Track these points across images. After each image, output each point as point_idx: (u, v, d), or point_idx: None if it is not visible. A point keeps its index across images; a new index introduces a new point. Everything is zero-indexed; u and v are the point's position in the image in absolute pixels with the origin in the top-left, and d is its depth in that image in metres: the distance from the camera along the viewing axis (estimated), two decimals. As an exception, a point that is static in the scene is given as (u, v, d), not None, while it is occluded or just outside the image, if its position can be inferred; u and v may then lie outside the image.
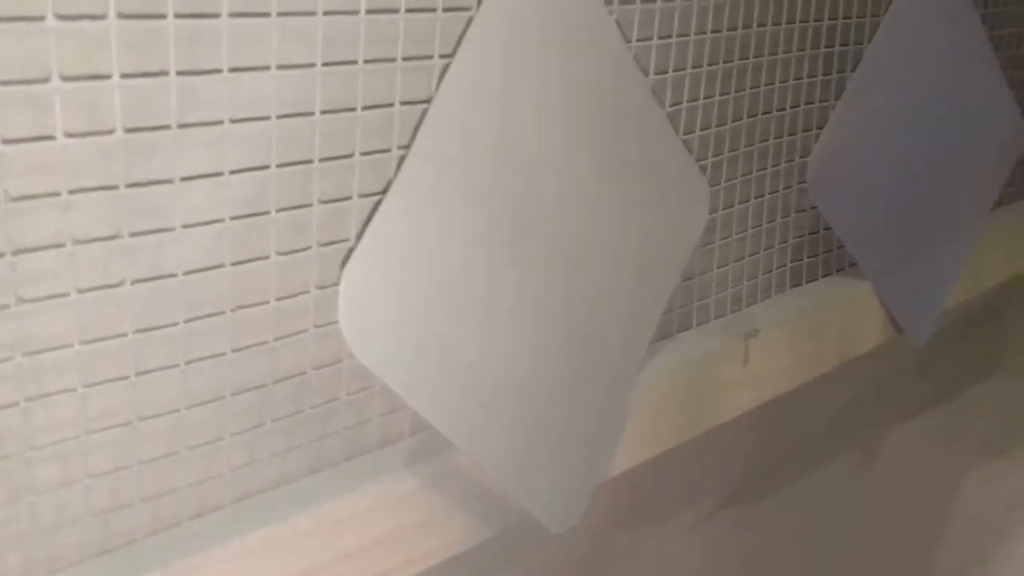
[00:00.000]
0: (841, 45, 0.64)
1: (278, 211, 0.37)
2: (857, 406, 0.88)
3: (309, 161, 0.37)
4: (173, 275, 0.35)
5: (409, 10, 0.38)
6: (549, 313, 0.45)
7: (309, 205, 0.37)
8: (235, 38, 0.33)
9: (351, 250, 0.34)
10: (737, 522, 0.77)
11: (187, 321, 0.36)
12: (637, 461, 0.55)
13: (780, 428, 0.76)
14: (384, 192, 0.36)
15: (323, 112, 0.37)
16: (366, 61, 0.37)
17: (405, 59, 0.38)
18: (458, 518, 0.46)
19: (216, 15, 0.33)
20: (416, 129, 0.36)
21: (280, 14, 0.34)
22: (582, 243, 0.47)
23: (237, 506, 0.40)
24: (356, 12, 0.37)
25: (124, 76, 0.31)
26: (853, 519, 0.94)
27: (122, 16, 0.31)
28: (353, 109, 0.37)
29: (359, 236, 0.34)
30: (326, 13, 0.36)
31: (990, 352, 1.11)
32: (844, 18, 0.64)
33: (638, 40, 0.49)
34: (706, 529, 0.74)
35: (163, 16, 0.32)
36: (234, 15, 0.33)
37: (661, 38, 0.51)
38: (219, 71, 0.34)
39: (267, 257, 0.37)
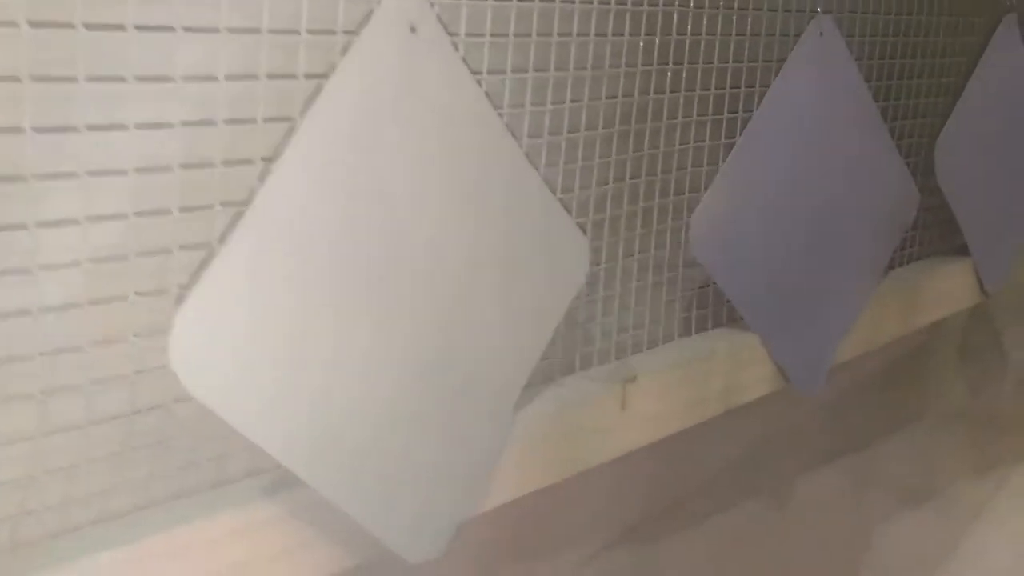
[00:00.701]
0: (730, 112, 0.68)
1: (137, 255, 0.40)
2: (764, 452, 0.91)
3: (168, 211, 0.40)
4: (28, 312, 0.38)
5: (270, 76, 0.42)
6: (412, 356, 0.48)
7: (169, 252, 0.41)
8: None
9: (185, 292, 0.37)
10: (638, 559, 0.80)
11: (43, 355, 0.39)
12: (515, 495, 0.58)
13: (677, 470, 0.79)
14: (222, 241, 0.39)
15: (181, 166, 0.40)
16: (225, 121, 0.41)
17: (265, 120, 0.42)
18: (318, 547, 0.48)
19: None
20: (261, 181, 0.39)
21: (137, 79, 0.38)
22: (452, 293, 0.50)
23: (93, 528, 0.42)
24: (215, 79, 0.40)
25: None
26: (762, 563, 0.97)
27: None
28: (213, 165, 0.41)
29: (193, 281, 0.37)
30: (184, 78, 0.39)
31: (910, 403, 1.15)
32: (732, 87, 0.68)
33: (511, 107, 0.53)
34: (603, 564, 0.77)
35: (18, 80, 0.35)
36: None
37: (537, 104, 0.55)
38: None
39: (126, 298, 0.41)
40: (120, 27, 0.37)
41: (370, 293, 0.45)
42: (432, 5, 0.45)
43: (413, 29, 0.44)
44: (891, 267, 0.89)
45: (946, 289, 0.94)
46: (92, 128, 0.37)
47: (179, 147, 0.40)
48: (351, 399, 0.45)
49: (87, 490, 0.43)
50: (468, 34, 0.49)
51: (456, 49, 0.47)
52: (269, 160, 0.41)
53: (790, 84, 0.69)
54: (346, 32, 0.43)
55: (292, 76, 0.42)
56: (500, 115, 0.51)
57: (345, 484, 0.45)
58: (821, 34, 0.71)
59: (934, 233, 0.94)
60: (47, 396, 0.40)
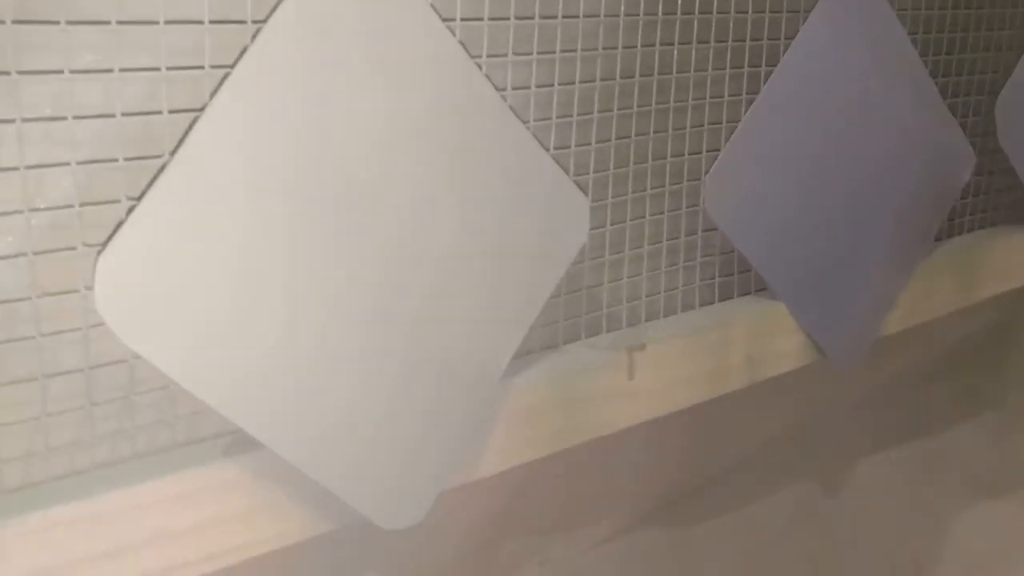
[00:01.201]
0: (750, 66, 0.65)
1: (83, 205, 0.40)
2: (812, 432, 0.87)
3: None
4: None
5: (212, 22, 0.41)
6: (385, 316, 0.47)
7: (118, 201, 0.40)
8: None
9: (108, 239, 0.36)
10: (664, 542, 0.77)
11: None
12: (509, 465, 0.56)
13: (707, 445, 0.76)
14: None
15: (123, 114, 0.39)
16: (168, 68, 0.40)
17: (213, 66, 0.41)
18: (287, 510, 0.47)
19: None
20: (187, 131, 0.38)
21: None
22: (428, 249, 0.48)
23: (53, 483, 0.42)
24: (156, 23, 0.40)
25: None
26: (811, 552, 0.92)
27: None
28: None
29: (117, 228, 0.37)
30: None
31: (985, 386, 1.08)
32: (753, 39, 0.64)
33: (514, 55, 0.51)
34: (624, 545, 0.74)
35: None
36: None
37: (522, 54, 0.53)
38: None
39: (75, 248, 0.40)
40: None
41: (330, 245, 0.43)
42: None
43: (370, -28, 0.42)
44: (949, 235, 0.83)
45: (1014, 259, 0.87)
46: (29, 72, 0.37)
47: (127, 94, 0.40)
48: (312, 357, 0.44)
49: (47, 445, 0.43)
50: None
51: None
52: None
53: (818, 33, 0.65)
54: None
55: (242, 22, 0.41)
56: (479, 64, 0.49)
57: (308, 446, 0.44)
58: (853, -19, 0.66)
59: (1000, 199, 0.88)
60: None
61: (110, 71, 0.39)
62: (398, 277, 0.47)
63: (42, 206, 0.39)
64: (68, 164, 0.39)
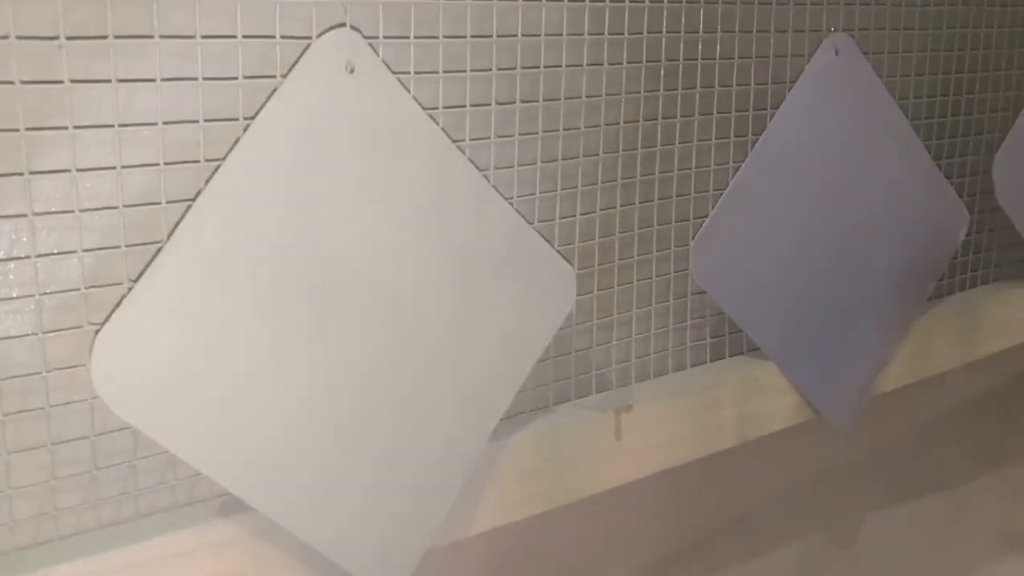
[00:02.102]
0: (736, 136, 0.67)
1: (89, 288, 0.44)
2: (823, 489, 0.88)
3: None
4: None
5: (208, 120, 0.45)
6: (371, 385, 0.50)
7: (121, 283, 0.44)
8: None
9: (106, 319, 0.40)
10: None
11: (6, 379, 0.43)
12: (501, 523, 0.59)
13: (705, 504, 0.77)
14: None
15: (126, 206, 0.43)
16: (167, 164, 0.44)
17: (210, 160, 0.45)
18: (285, 566, 0.50)
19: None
20: (180, 218, 0.42)
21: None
22: (414, 322, 0.51)
23: (60, 543, 0.46)
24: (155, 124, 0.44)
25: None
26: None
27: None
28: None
29: (115, 308, 0.40)
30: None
31: (1008, 439, 1.08)
32: (739, 110, 0.67)
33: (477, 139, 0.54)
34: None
35: None
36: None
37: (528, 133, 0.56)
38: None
39: (81, 327, 0.44)
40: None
41: (319, 324, 0.47)
42: (371, 45, 0.47)
43: (351, 69, 0.46)
44: (950, 292, 0.85)
45: (1016, 315, 0.88)
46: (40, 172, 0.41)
47: (129, 186, 0.44)
48: (300, 426, 0.47)
49: (55, 507, 0.46)
50: (445, 71, 0.52)
51: (405, 87, 0.49)
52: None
53: (803, 103, 0.68)
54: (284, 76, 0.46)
55: (234, 119, 0.45)
56: (460, 148, 0.52)
57: (295, 507, 0.47)
58: (836, 52, 0.69)
59: (1001, 256, 0.89)
60: (10, 418, 0.44)
61: (113, 168, 0.43)
62: (387, 350, 0.50)
63: (51, 290, 0.43)
64: (75, 252, 0.43)
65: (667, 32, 0.62)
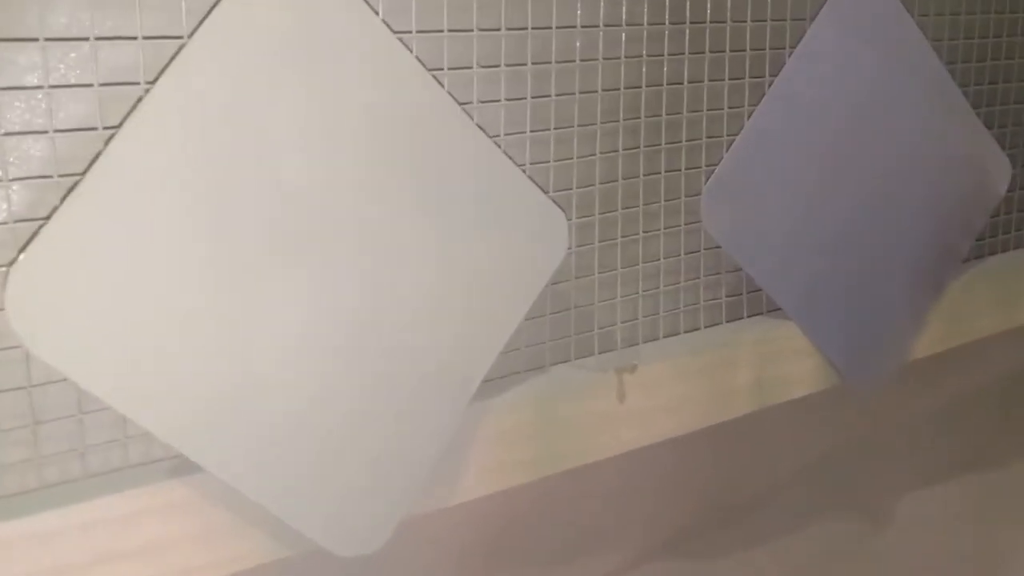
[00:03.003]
0: (752, 77, 0.62)
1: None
2: (850, 462, 0.82)
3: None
4: None
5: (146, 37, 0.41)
6: (335, 333, 0.46)
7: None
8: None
9: (19, 252, 0.36)
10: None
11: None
12: (488, 491, 0.54)
13: (722, 475, 0.72)
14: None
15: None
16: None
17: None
18: (239, 534, 0.46)
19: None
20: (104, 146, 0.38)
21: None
22: (382, 262, 0.47)
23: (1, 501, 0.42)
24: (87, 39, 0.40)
25: None
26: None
27: None
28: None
29: (29, 241, 0.36)
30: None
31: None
32: (753, 49, 0.62)
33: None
34: (636, 578, 0.71)
35: None
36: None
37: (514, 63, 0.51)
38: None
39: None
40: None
41: (263, 261, 0.43)
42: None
43: (308, -17, 0.42)
44: (990, 252, 0.78)
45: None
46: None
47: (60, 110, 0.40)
48: (251, 376, 0.43)
49: (-7, 462, 0.43)
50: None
51: (372, 7, 0.45)
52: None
53: (825, 41, 0.62)
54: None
55: (178, 37, 0.41)
56: (435, 77, 0.48)
57: (251, 469, 0.43)
58: (863, -16, 0.63)
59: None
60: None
61: (40, 87, 0.39)
62: (348, 294, 0.46)
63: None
64: (1, 180, 0.39)
65: (671, -41, 0.57)
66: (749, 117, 0.61)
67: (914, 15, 0.67)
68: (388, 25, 0.45)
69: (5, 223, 0.40)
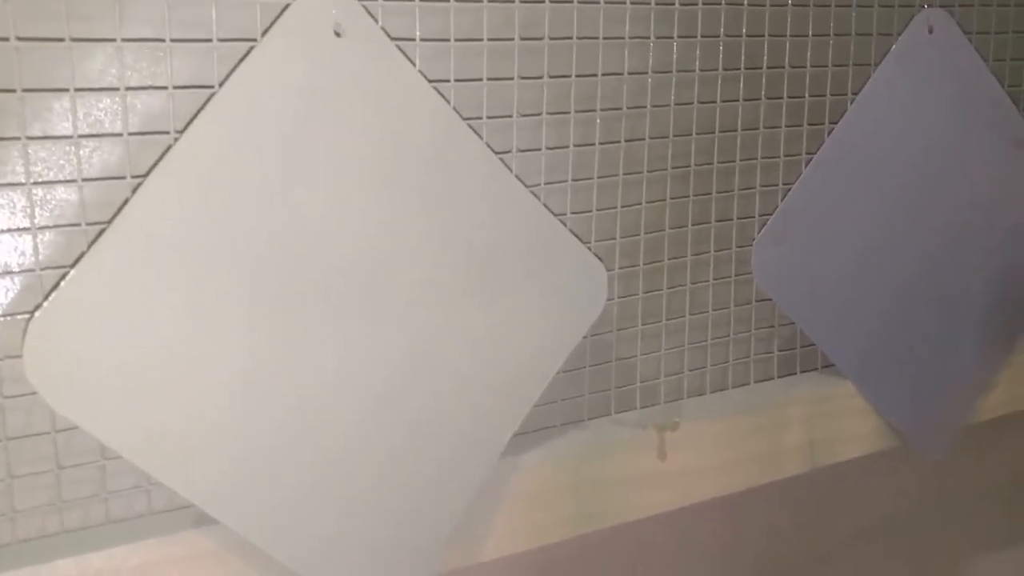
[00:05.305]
0: (810, 124, 0.59)
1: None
2: (910, 527, 0.78)
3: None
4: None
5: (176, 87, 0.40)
6: (358, 391, 0.44)
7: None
8: None
9: (39, 305, 0.36)
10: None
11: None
12: (518, 549, 0.53)
13: (770, 538, 0.69)
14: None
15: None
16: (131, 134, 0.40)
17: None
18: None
19: None
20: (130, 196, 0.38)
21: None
22: (411, 316, 0.46)
23: (19, 545, 0.42)
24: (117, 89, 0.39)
25: None
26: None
27: None
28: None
29: (50, 293, 0.36)
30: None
31: None
32: (813, 95, 0.59)
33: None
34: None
35: None
36: None
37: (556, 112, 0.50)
38: None
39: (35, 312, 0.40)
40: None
41: (292, 317, 0.42)
42: (364, 7, 0.42)
43: (339, 32, 0.41)
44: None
45: None
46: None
47: (88, 158, 0.40)
48: (275, 432, 0.42)
49: (13, 508, 0.43)
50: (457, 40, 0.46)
51: (406, 55, 0.44)
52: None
53: (889, 88, 0.59)
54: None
55: (209, 86, 0.41)
56: (473, 127, 0.47)
57: (272, 525, 0.42)
58: (931, 30, 0.60)
59: None
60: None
61: (70, 136, 0.39)
62: (379, 350, 0.45)
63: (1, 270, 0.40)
64: (29, 230, 0.39)
65: (727, 3, 0.55)
66: (807, 166, 0.59)
67: (988, 60, 0.64)
68: (424, 75, 0.44)
69: (32, 270, 0.40)
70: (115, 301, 0.37)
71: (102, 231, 0.37)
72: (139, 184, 0.38)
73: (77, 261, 0.37)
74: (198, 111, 0.39)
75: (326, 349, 0.43)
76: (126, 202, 0.37)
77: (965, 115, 0.62)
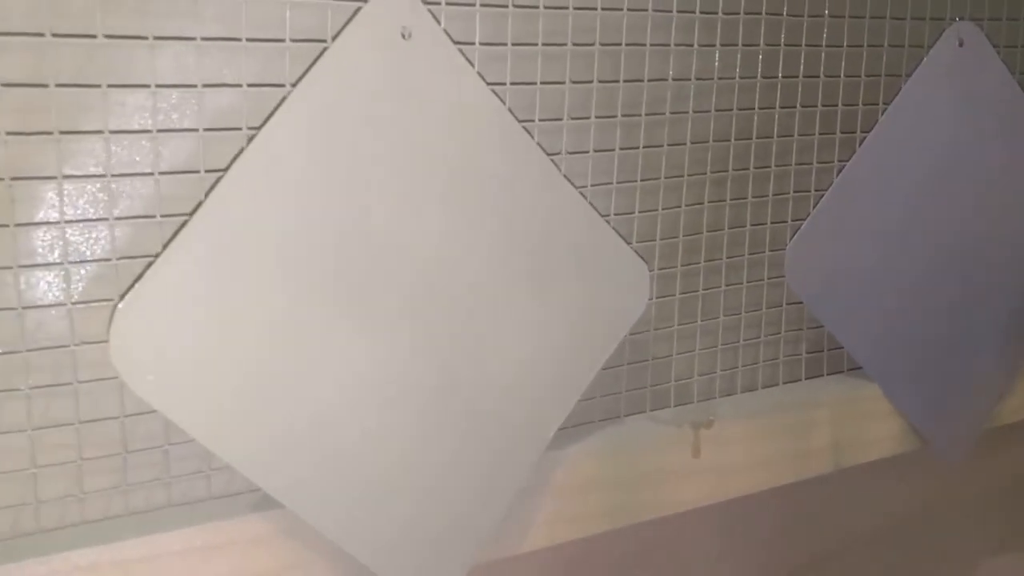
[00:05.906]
0: (843, 132, 0.61)
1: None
2: (928, 528, 0.80)
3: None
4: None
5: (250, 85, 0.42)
6: (417, 382, 0.46)
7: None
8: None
9: (127, 291, 0.37)
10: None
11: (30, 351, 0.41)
12: (556, 541, 0.54)
13: (793, 535, 0.71)
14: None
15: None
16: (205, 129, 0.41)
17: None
18: (318, 570, 0.47)
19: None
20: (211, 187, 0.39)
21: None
22: (467, 313, 0.47)
23: (83, 527, 0.44)
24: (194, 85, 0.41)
25: None
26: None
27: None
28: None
29: (135, 281, 0.38)
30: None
31: None
32: (846, 104, 0.61)
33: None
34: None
35: None
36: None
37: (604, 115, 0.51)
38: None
39: (111, 300, 0.42)
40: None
41: (360, 311, 0.43)
42: (431, 12, 0.43)
43: (407, 35, 0.42)
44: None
45: None
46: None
47: (165, 153, 0.41)
48: (340, 423, 0.43)
49: (82, 489, 0.44)
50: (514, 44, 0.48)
51: (467, 58, 0.45)
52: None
53: (920, 99, 0.61)
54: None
55: (280, 85, 0.42)
56: (527, 129, 0.48)
57: (334, 512, 0.44)
58: (961, 43, 0.62)
59: None
60: (38, 392, 0.42)
61: (148, 131, 0.41)
62: (440, 345, 0.46)
63: (81, 259, 0.41)
64: (107, 220, 0.41)
65: (767, 14, 0.57)
66: (839, 173, 0.60)
67: (1015, 73, 0.65)
68: (482, 76, 0.46)
69: (108, 260, 0.41)
70: (200, 292, 0.38)
71: (185, 222, 0.38)
72: (218, 178, 0.39)
73: (163, 250, 0.38)
74: (274, 109, 0.40)
75: (398, 344, 0.45)
76: (208, 193, 0.39)
77: (993, 126, 0.64)
